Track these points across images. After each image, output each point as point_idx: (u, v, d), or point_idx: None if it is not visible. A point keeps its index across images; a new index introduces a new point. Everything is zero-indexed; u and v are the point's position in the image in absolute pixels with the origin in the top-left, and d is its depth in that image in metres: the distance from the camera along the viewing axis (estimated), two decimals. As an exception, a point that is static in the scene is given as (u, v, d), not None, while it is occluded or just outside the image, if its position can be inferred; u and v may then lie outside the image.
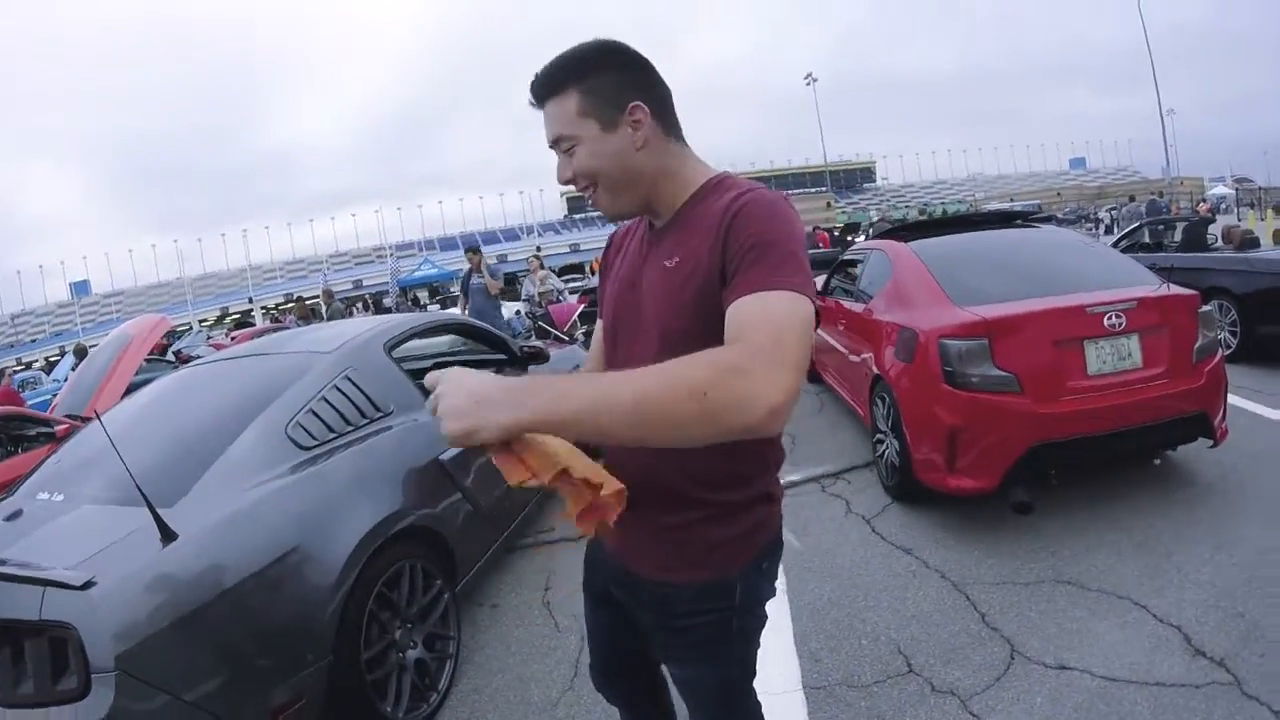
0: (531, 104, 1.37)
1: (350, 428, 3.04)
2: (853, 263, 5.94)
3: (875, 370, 4.28)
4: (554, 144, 1.36)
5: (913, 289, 4.21)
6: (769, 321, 1.11)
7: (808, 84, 67.26)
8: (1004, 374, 3.39)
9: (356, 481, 2.85)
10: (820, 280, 6.86)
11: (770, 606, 1.57)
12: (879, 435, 4.23)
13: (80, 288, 79.06)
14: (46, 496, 2.82)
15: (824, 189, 79.99)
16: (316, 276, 43.37)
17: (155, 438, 2.94)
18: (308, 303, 14.21)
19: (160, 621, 2.10)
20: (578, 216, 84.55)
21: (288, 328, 14.05)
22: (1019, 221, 5.29)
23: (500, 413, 1.05)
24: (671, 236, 1.37)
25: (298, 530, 2.54)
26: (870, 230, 17.89)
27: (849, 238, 20.32)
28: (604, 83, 1.31)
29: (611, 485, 1.05)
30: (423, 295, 28.32)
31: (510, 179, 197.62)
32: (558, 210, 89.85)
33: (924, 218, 18.89)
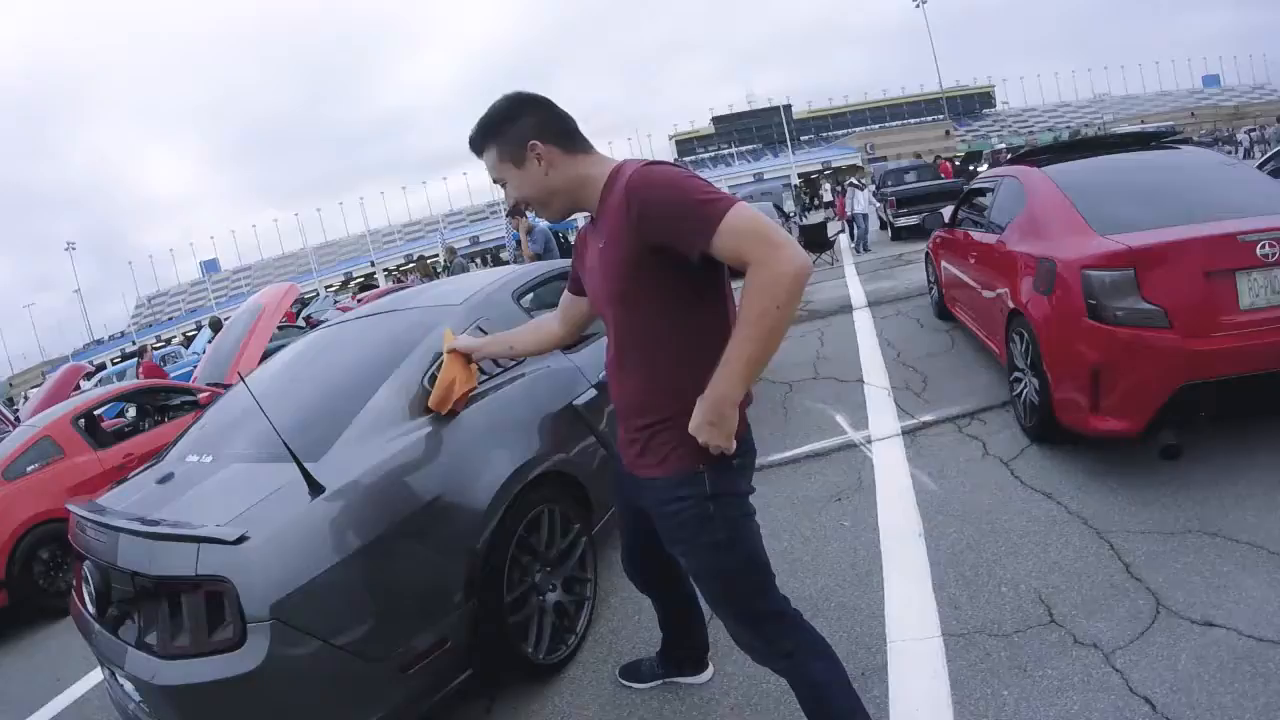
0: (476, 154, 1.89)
1: (484, 376, 3.05)
2: (981, 191, 5.65)
3: (1011, 305, 4.06)
4: (495, 181, 1.90)
5: (1050, 217, 3.95)
6: (741, 236, 1.55)
7: (916, 6, 63.58)
8: (1152, 308, 3.13)
9: (493, 430, 2.88)
10: (947, 212, 6.62)
11: (907, 550, 2.50)
12: (1016, 374, 4.03)
13: (210, 265, 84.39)
14: (195, 458, 2.92)
15: (941, 117, 76.49)
16: (434, 236, 44.60)
17: (296, 397, 3.03)
18: (429, 261, 14.80)
19: (311, 571, 2.18)
20: (688, 159, 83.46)
21: (410, 287, 14.73)
22: (1156, 143, 4.86)
23: (731, 409, 1.63)
24: (600, 225, 1.82)
25: (439, 479, 2.59)
26: (991, 159, 16.83)
27: (971, 167, 19.20)
28: (508, 135, 1.80)
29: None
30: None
31: (617, 126, 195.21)
32: (667, 154, 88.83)
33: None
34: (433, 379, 2.79)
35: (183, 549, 2.15)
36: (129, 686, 2.45)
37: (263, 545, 2.13)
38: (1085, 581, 2.66)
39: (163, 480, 2.83)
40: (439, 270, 14.78)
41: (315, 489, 2.29)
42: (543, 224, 8.85)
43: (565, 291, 2.28)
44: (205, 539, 2.11)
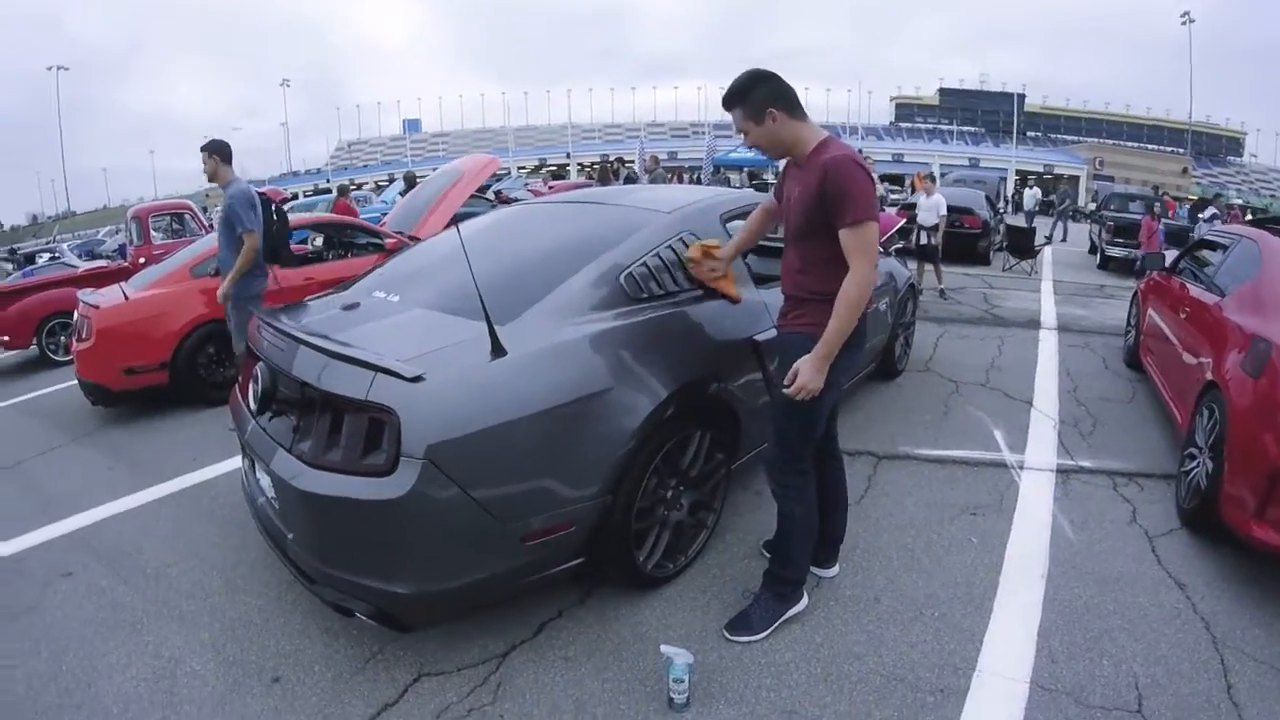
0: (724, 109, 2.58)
1: (678, 289, 3.10)
2: (1213, 245, 5.23)
3: (1210, 376, 3.73)
4: (739, 131, 2.60)
5: None
6: (856, 245, 2.36)
7: (1183, 23, 57.23)
8: None
9: (673, 341, 2.95)
10: (1170, 255, 6.19)
11: (1026, 587, 3.06)
12: (1191, 450, 3.69)
13: (412, 125, 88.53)
14: (383, 295, 3.04)
15: (1182, 151, 68.86)
16: (633, 142, 44.93)
17: (495, 261, 3.08)
18: (611, 165, 15.28)
19: (473, 425, 2.28)
20: (905, 126, 79.42)
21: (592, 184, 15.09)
22: None
23: (822, 364, 2.42)
24: (801, 173, 2.54)
25: (612, 374, 2.64)
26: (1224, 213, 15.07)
27: (1201, 215, 17.39)
28: (751, 100, 2.49)
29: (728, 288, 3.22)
30: (735, 177, 28.31)
31: (842, 74, 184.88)
32: (884, 115, 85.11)
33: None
34: (629, 277, 2.95)
35: (360, 373, 2.26)
36: (266, 482, 2.67)
37: (436, 389, 2.24)
38: (1185, 687, 2.53)
39: (348, 308, 3.00)
40: (616, 179, 15.13)
41: (498, 351, 2.39)
42: None
43: (771, 198, 3.01)
44: (385, 370, 2.21)
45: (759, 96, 2.49)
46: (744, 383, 3.22)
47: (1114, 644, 2.73)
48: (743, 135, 2.61)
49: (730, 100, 2.55)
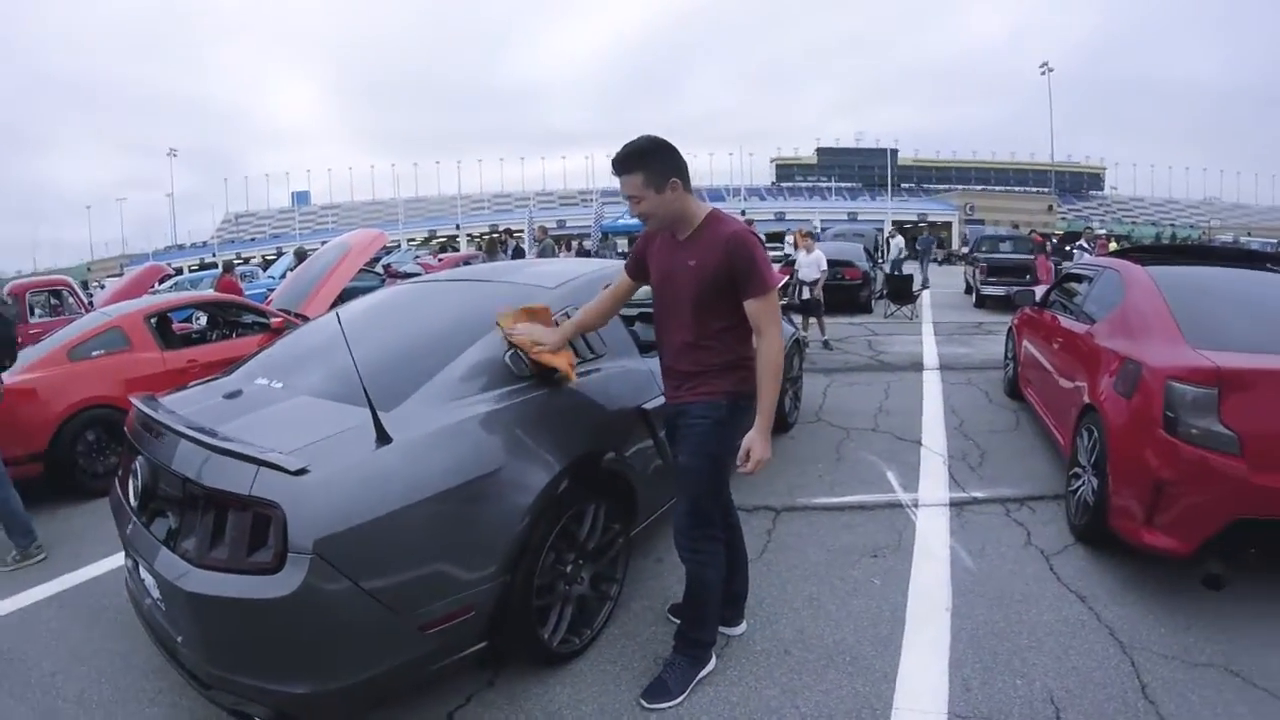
0: (613, 172, 2.53)
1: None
2: (1079, 278, 5.56)
3: (1087, 399, 3.96)
4: (627, 197, 2.53)
5: (1145, 318, 3.86)
6: (766, 313, 2.47)
7: (1043, 73, 62.68)
8: (1226, 432, 3.03)
9: (563, 415, 2.92)
10: (1039, 290, 6.54)
11: (932, 621, 3.07)
12: (1076, 469, 3.92)
13: (301, 197, 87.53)
14: (265, 382, 2.95)
15: (1047, 190, 74.92)
16: (522, 211, 45.48)
17: (377, 344, 3.04)
18: (496, 239, 15.52)
19: (361, 516, 2.20)
20: (785, 185, 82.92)
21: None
22: (1270, 266, 4.71)
23: (766, 435, 2.52)
24: (692, 246, 2.56)
25: (503, 453, 2.62)
26: (1093, 243, 16.30)
27: (1068, 247, 18.75)
28: (655, 168, 2.46)
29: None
30: (622, 243, 28.79)
31: (725, 138, 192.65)
32: (766, 176, 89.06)
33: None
34: (514, 358, 2.87)
35: (242, 467, 2.18)
36: (150, 582, 2.50)
37: (321, 481, 2.17)
38: (1099, 693, 2.61)
39: (230, 396, 2.88)
40: (504, 251, 15.33)
41: (383, 438, 2.33)
42: None
43: (623, 273, 2.91)
44: (268, 463, 2.14)
45: (664, 165, 2.48)
46: (635, 451, 3.23)
47: (1025, 663, 2.79)
48: (632, 201, 2.54)
49: (629, 163, 2.49)
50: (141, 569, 2.58)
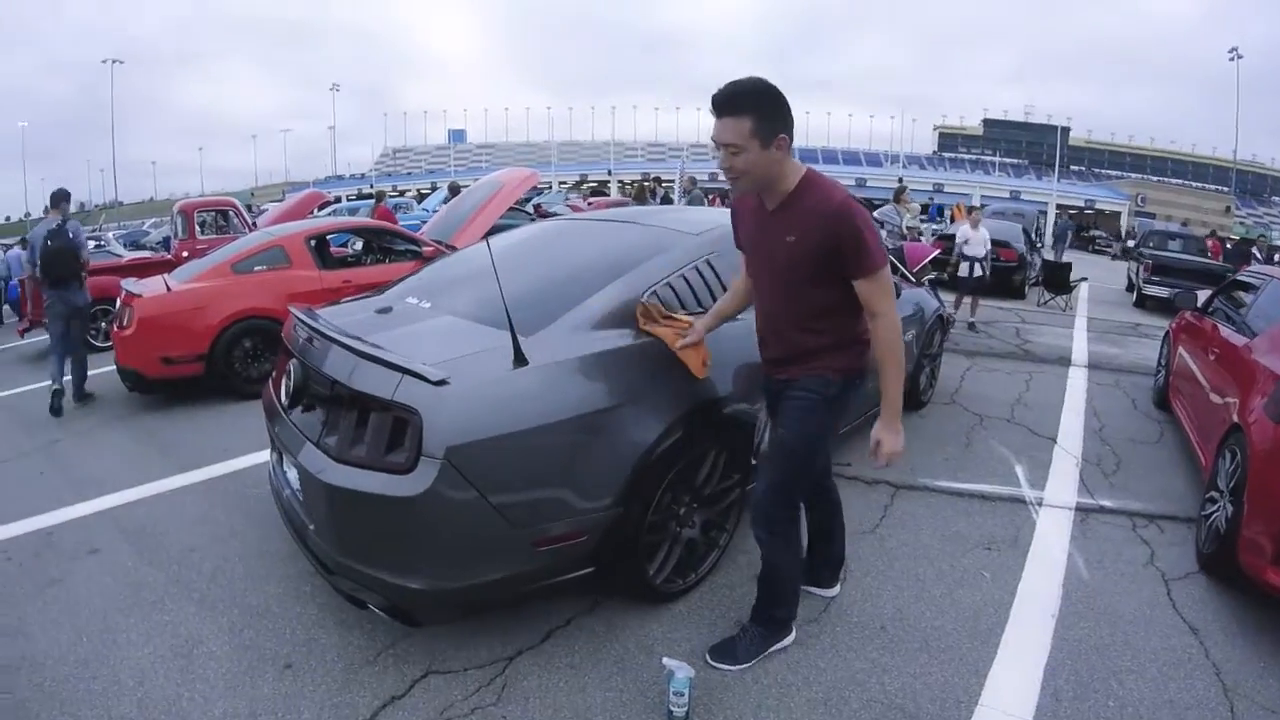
0: (715, 113, 2.15)
1: (700, 309, 3.09)
2: (1246, 286, 5.18)
3: (1235, 418, 3.67)
4: (723, 145, 2.17)
5: (1312, 336, 3.56)
6: (878, 293, 2.25)
7: (1231, 59, 55.79)
8: None
9: None
10: (1203, 295, 6.13)
11: (1035, 624, 2.99)
12: (1213, 493, 3.64)
13: (457, 135, 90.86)
14: (415, 301, 3.15)
15: (1226, 189, 67.57)
16: (675, 162, 45.08)
17: (523, 274, 3.13)
18: (646, 185, 15.65)
19: (491, 430, 2.35)
20: (948, 155, 78.80)
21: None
22: None
23: (895, 425, 2.37)
24: (785, 219, 2.31)
25: (630, 389, 2.70)
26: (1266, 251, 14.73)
27: (1249, 249, 17.07)
28: (770, 116, 2.12)
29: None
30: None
31: (886, 101, 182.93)
32: (927, 144, 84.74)
33: None
34: (653, 295, 2.97)
35: (388, 374, 2.33)
36: (292, 474, 2.76)
37: (459, 393, 2.32)
38: None
39: (381, 311, 3.10)
40: (653, 198, 15.39)
41: (520, 360, 2.46)
42: None
43: (741, 254, 2.70)
44: (412, 372, 2.29)
45: (776, 115, 2.15)
46: (761, 404, 3.21)
47: (1121, 685, 2.70)
48: (728, 151, 2.18)
49: (739, 102, 2.12)
50: (285, 462, 2.85)
